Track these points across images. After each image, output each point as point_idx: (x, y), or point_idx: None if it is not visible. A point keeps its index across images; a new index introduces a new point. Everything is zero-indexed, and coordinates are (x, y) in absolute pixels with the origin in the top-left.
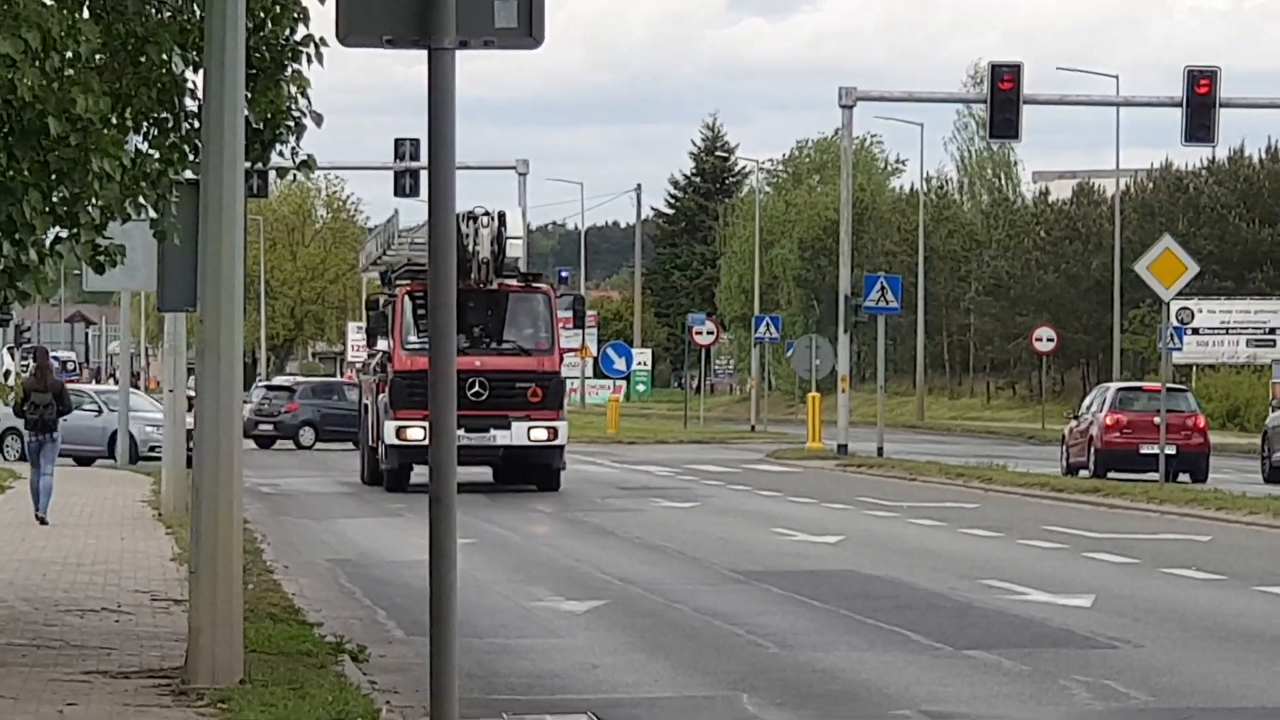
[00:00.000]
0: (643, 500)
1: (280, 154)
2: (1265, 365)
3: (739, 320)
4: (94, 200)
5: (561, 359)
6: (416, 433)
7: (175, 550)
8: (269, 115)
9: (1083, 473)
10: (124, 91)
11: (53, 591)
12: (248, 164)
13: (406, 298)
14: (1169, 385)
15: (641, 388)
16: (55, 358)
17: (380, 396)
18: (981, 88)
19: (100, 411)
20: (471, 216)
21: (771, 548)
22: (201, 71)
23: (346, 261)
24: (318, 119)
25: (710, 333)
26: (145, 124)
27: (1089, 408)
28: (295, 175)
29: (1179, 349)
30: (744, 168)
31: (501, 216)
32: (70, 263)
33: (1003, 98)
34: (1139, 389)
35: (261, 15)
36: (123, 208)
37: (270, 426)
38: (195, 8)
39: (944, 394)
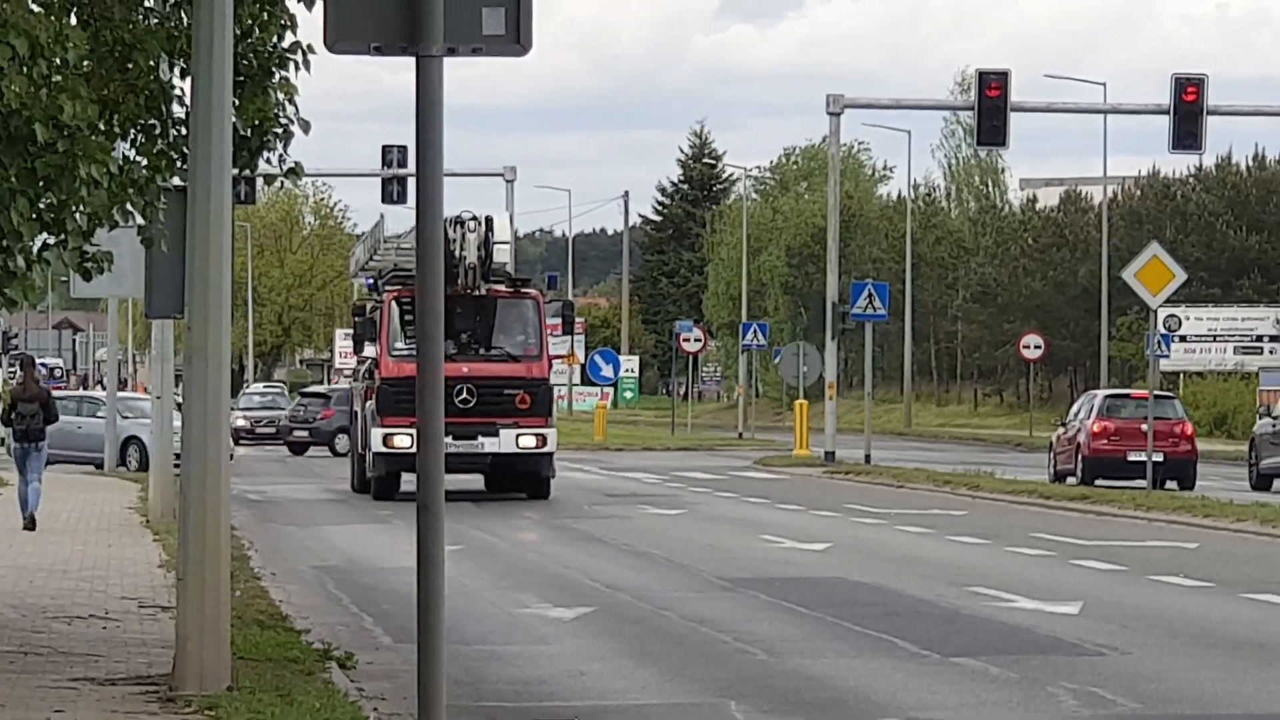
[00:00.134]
0: (630, 507)
1: (268, 161)
2: (1252, 372)
3: (726, 327)
4: (81, 207)
5: (550, 365)
6: (404, 440)
7: (163, 557)
8: (256, 122)
9: (1070, 480)
10: (111, 98)
11: (40, 598)
12: (235, 171)
13: (394, 303)
14: (1156, 392)
15: (629, 395)
16: (43, 364)
17: (368, 404)
18: (969, 95)
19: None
20: (459, 221)
21: (759, 555)
22: (189, 78)
23: (334, 268)
24: (305, 126)
25: (698, 340)
26: (133, 131)
27: (1076, 415)
28: (283, 182)
29: (1166, 356)
30: (732, 175)
31: (489, 221)
32: (58, 269)
33: (990, 105)
34: (1126, 396)
35: (249, 22)
36: (110, 214)
37: (305, 433)
38: (183, 14)
39: (931, 401)
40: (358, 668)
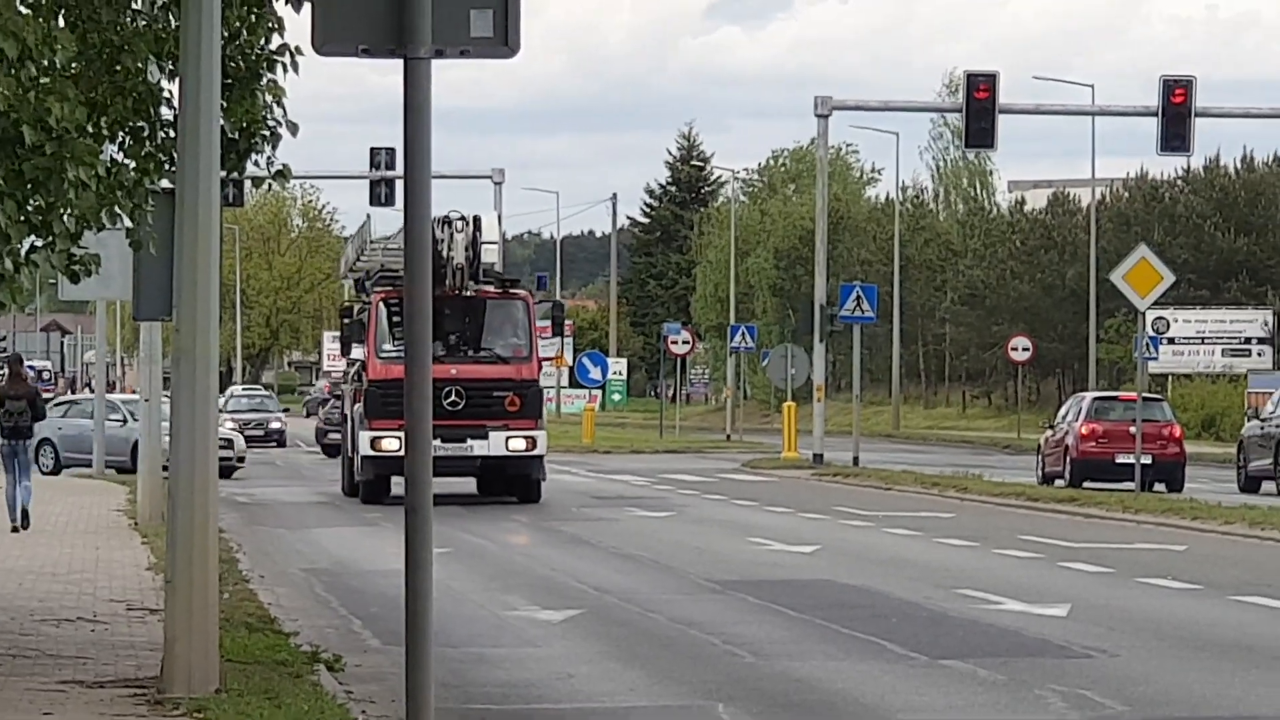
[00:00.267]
0: (618, 510)
1: (256, 163)
2: (1241, 374)
3: (714, 330)
4: (69, 209)
5: (540, 367)
6: (392, 443)
7: (151, 559)
8: (244, 124)
9: (1058, 482)
10: (100, 100)
11: (28, 601)
12: (223, 173)
13: (381, 304)
14: (1145, 395)
15: (617, 397)
16: (31, 366)
17: (356, 406)
18: (957, 97)
19: (125, 421)
20: (446, 221)
21: (747, 557)
22: (177, 80)
23: (322, 270)
24: (293, 128)
25: (686, 342)
26: (121, 133)
27: (1065, 417)
28: (271, 184)
29: (1154, 358)
30: (719, 177)
31: (476, 221)
32: (46, 272)
33: (978, 107)
34: (1115, 398)
35: (237, 25)
36: (98, 217)
37: (339, 435)
38: (171, 17)
39: (919, 403)
40: (346, 670)
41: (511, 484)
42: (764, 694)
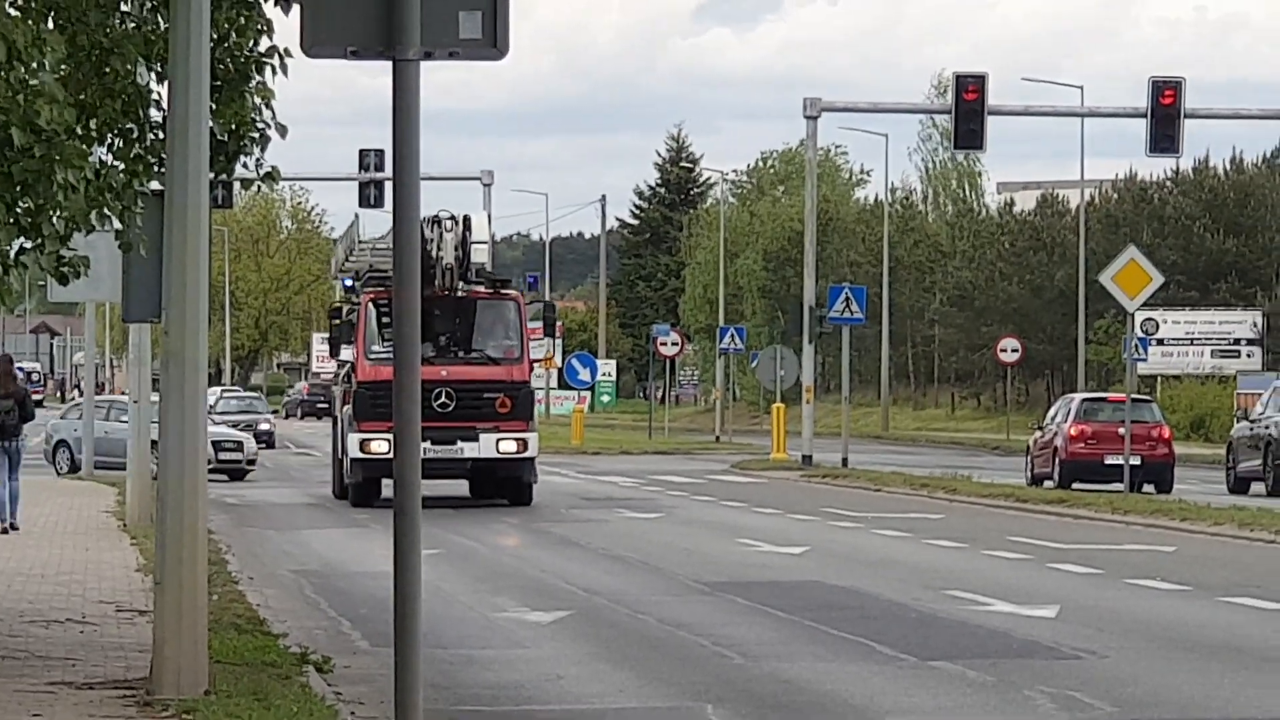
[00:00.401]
0: (607, 511)
1: (245, 165)
2: (1230, 376)
3: (704, 331)
4: (58, 211)
5: (531, 368)
6: (381, 445)
7: (140, 561)
8: (234, 127)
9: (1047, 483)
10: (89, 103)
11: (17, 602)
12: (212, 175)
13: (370, 305)
14: (1134, 396)
15: (606, 399)
16: (20, 368)
17: (345, 408)
18: (946, 98)
19: None
20: (436, 221)
21: (736, 558)
22: (166, 83)
23: (311, 272)
24: (282, 130)
25: (675, 344)
26: (110, 135)
27: (1054, 418)
28: (260, 186)
29: (1144, 360)
30: (709, 178)
31: (466, 221)
32: (35, 274)
33: (967, 108)
34: (1104, 400)
35: (226, 27)
36: (87, 219)
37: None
38: (159, 19)
39: (909, 405)
40: (335, 672)
41: (502, 486)
42: (753, 695)
